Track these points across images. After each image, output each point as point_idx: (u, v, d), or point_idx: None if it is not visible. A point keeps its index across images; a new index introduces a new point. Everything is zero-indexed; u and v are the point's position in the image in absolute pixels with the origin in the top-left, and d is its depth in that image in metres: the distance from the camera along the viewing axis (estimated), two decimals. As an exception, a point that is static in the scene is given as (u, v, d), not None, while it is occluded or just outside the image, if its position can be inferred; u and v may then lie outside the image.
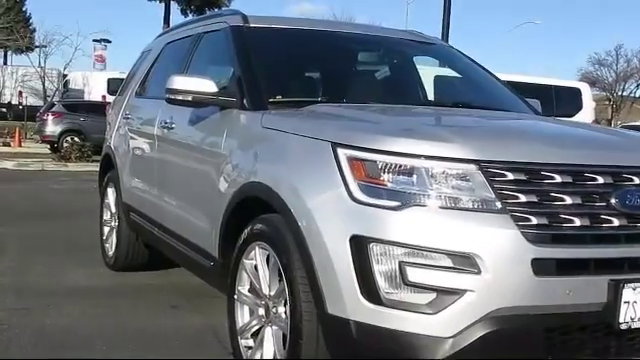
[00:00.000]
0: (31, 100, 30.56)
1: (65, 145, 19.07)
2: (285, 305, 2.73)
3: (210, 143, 3.52)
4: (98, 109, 22.10)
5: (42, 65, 31.49)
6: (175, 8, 35.47)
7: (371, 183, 2.45)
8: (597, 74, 47.99)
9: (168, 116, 4.13)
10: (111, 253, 5.31)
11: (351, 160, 2.52)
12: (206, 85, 3.40)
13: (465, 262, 2.31)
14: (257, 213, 2.97)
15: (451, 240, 2.32)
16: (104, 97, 29.10)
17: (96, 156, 16.32)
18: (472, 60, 4.32)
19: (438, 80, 4.26)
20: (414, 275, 2.33)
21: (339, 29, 4.05)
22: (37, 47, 34.09)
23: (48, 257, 5.66)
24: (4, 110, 33.02)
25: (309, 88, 3.75)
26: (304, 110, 3.17)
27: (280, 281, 2.78)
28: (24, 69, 33.54)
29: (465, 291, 2.30)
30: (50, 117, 20.65)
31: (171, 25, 33.81)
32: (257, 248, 2.93)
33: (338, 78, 3.86)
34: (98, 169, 5.94)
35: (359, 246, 2.40)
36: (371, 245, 2.38)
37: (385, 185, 2.43)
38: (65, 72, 32.52)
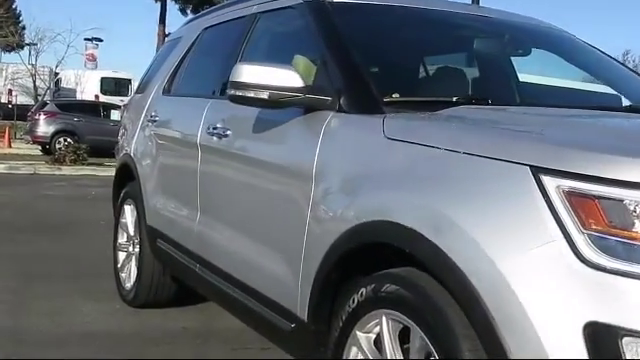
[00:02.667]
0: (21, 99, 29.51)
1: (58, 147, 18.10)
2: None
3: (292, 159, 2.53)
4: (93, 109, 21.28)
5: (33, 63, 30.43)
6: (172, 7, 34.34)
7: (616, 236, 1.51)
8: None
9: (218, 119, 3.16)
10: (129, 285, 4.33)
11: (572, 196, 1.57)
12: (289, 78, 2.44)
13: None
14: (378, 265, 2.03)
15: None
16: (97, 97, 28.13)
17: (92, 159, 15.36)
18: (602, 51, 3.39)
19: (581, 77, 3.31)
20: None
21: (453, 9, 3.08)
22: (27, 45, 33.04)
23: (50, 286, 4.67)
24: (-7, 108, 31.84)
25: (433, 84, 2.78)
26: (444, 114, 2.21)
27: (430, 375, 1.82)
28: (14, 66, 32.41)
29: None
30: (42, 117, 19.71)
31: (167, 24, 32.93)
32: (384, 318, 1.97)
33: (471, 70, 2.91)
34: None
35: (602, 341, 1.46)
36: (626, 341, 1.44)
37: (644, 240, 1.49)
38: (57, 70, 31.46)
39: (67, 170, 14.18)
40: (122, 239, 4.54)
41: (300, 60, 2.81)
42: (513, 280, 1.58)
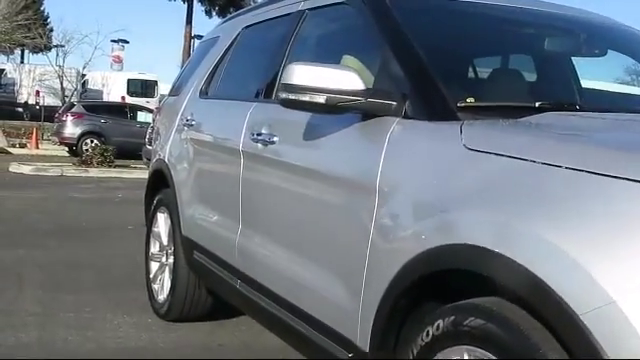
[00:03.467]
0: (48, 100, 29.65)
1: (84, 148, 18.10)
2: None
3: (351, 170, 2.27)
4: (120, 110, 21.30)
5: (61, 64, 30.57)
6: (198, 9, 34.38)
7: None
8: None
9: (263, 124, 2.92)
10: (162, 298, 4.11)
11: None
12: (348, 80, 2.19)
13: None
14: (455, 294, 1.78)
15: None
16: (123, 98, 28.20)
17: (118, 160, 15.25)
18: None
19: None
20: None
21: (525, 5, 2.81)
22: (55, 46, 33.21)
23: (78, 296, 4.48)
24: (21, 110, 32.01)
25: (509, 86, 2.50)
26: (533, 122, 1.95)
27: None
28: (42, 68, 32.60)
29: None
30: (69, 118, 19.75)
31: (193, 25, 32.89)
32: (466, 355, 1.71)
33: (551, 72, 2.64)
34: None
35: None
36: None
37: None
38: (84, 72, 31.60)
39: (94, 172, 14.07)
40: (154, 249, 4.32)
41: (349, 60, 2.58)
42: (635, 322, 1.32)
